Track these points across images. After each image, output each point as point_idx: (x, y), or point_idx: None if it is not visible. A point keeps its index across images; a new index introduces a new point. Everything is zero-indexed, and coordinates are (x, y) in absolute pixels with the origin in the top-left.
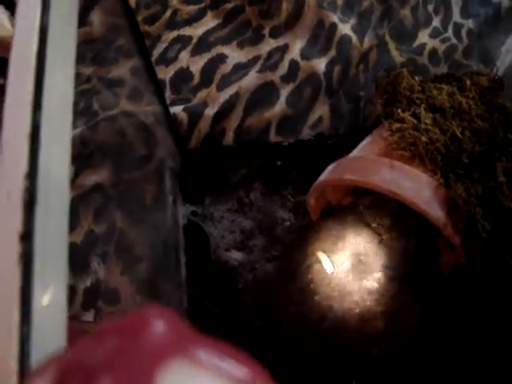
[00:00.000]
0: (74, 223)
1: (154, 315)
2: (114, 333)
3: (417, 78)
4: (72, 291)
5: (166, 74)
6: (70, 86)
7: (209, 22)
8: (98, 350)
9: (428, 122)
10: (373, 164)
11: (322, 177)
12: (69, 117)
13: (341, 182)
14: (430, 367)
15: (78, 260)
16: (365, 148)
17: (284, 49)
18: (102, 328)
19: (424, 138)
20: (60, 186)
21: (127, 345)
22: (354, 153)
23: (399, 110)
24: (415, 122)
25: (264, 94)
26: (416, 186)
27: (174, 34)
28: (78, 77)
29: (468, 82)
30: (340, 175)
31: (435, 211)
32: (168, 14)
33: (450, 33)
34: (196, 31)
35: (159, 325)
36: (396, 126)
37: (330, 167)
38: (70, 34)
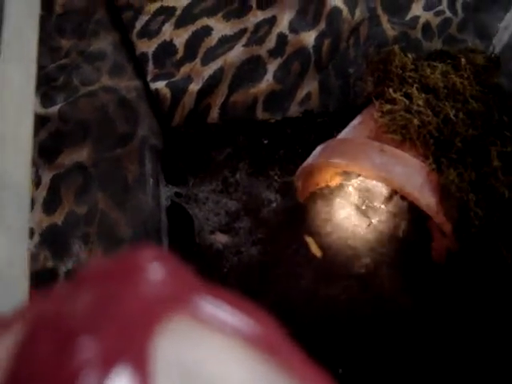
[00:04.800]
0: (55, 204)
1: (148, 258)
2: (98, 279)
3: (410, 55)
4: (53, 274)
5: (148, 47)
6: (31, 82)
7: None
8: (77, 300)
9: (420, 103)
10: (362, 147)
11: (310, 159)
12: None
13: (329, 166)
14: (419, 355)
15: (59, 242)
16: (355, 129)
17: (272, 21)
18: (84, 273)
19: (416, 121)
20: (18, 194)
21: (115, 296)
22: (344, 133)
23: (390, 90)
24: (407, 102)
25: (250, 69)
26: (407, 172)
27: (157, 4)
28: (57, 51)
29: (463, 61)
30: (328, 158)
31: (426, 198)
32: None
33: (444, 5)
34: (180, 2)
35: (155, 270)
36: (387, 107)
37: (318, 149)
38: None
